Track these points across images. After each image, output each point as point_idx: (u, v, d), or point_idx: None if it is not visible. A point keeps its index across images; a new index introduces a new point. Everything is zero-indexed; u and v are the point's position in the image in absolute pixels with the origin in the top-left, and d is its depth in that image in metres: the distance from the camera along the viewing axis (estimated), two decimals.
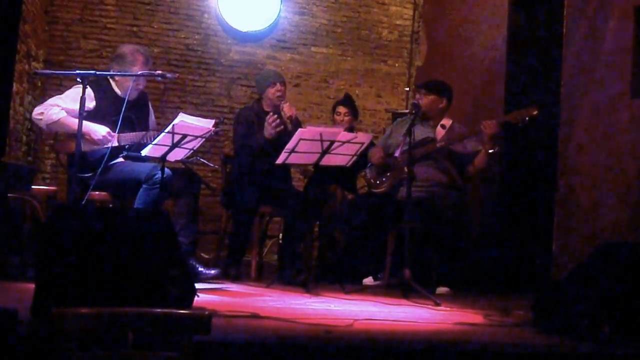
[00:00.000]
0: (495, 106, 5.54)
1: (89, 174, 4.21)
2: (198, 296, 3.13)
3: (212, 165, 5.11)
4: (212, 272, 4.38)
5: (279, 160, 4.31)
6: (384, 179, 4.92)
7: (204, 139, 4.21)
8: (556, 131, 4.91)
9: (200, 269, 4.34)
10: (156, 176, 4.17)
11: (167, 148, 4.05)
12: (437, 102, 4.92)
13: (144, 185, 4.23)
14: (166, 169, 4.14)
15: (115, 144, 4.28)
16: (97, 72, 4.34)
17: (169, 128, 3.98)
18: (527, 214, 5.26)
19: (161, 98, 6.66)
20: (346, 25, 7.28)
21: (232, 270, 4.79)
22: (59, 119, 4.28)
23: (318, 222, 5.57)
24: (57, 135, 4.60)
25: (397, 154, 4.55)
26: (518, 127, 4.65)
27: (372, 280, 4.86)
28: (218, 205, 5.57)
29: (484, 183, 5.53)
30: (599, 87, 4.61)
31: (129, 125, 4.36)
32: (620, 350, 2.77)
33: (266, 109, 5.08)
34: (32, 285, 2.71)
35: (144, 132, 4.38)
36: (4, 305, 2.40)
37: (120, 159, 4.43)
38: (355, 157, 4.45)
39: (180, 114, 4.09)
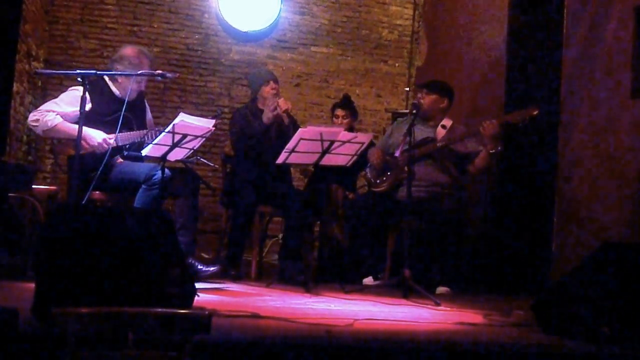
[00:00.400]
0: (495, 106, 5.54)
1: (89, 175, 4.21)
2: (198, 296, 3.13)
3: (212, 165, 5.11)
4: (212, 269, 4.38)
5: (279, 160, 4.31)
6: (384, 178, 4.92)
7: (204, 139, 4.21)
8: (556, 131, 4.91)
9: (199, 266, 4.34)
10: (155, 177, 4.17)
11: (167, 148, 4.05)
12: (439, 101, 4.93)
13: (143, 186, 4.23)
14: (166, 170, 4.14)
15: (114, 145, 4.27)
16: (98, 72, 4.33)
17: (169, 128, 3.98)
18: (527, 214, 5.26)
19: (161, 98, 6.66)
20: (346, 25, 7.29)
21: (232, 270, 4.79)
22: (55, 125, 4.26)
23: (318, 222, 5.58)
24: (55, 138, 4.59)
25: (397, 153, 4.56)
26: (518, 127, 4.65)
27: (372, 280, 4.85)
28: (218, 205, 5.57)
29: (484, 183, 5.53)
30: (599, 87, 4.61)
31: (126, 125, 4.36)
32: (620, 350, 2.77)
33: (261, 107, 5.09)
34: (32, 285, 2.71)
35: (142, 131, 4.37)
36: (4, 305, 2.40)
37: (120, 159, 4.42)
38: (355, 157, 4.45)
39: (180, 113, 4.09)
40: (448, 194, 4.80)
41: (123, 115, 4.24)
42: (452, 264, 4.68)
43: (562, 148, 4.86)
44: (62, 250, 2.74)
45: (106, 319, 1.78)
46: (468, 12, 6.30)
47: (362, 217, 4.90)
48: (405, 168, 4.53)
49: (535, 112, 4.46)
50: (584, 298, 3.01)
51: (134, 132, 4.37)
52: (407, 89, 7.31)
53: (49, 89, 6.31)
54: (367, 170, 5.08)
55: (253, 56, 7.01)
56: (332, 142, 4.25)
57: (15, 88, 5.49)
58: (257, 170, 4.97)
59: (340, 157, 4.40)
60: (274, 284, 4.47)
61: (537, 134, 5.19)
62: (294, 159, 4.32)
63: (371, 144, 4.92)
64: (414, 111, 4.55)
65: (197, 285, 3.16)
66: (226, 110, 6.61)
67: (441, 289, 4.57)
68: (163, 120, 5.96)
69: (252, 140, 4.93)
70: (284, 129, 4.93)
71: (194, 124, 4.07)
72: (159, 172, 4.12)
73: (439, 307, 3.85)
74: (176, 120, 4.00)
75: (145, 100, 4.77)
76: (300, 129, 4.33)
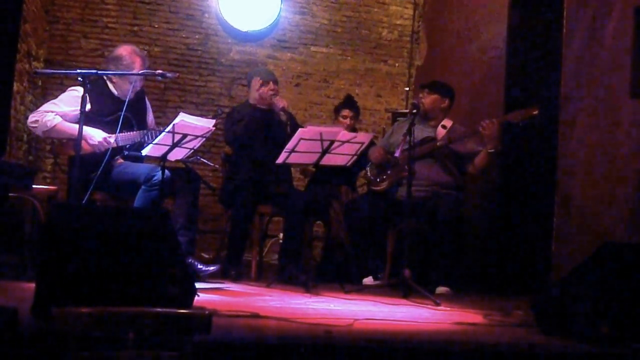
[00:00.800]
0: (495, 106, 5.54)
1: (89, 175, 4.21)
2: (198, 296, 3.13)
3: (212, 165, 5.11)
4: (211, 268, 4.38)
5: (279, 160, 4.32)
6: (384, 177, 4.93)
7: (204, 139, 4.21)
8: (556, 131, 4.91)
9: (199, 266, 4.34)
10: (155, 177, 4.18)
11: (167, 147, 4.05)
12: (440, 101, 4.94)
13: (142, 187, 4.23)
14: (166, 171, 4.14)
15: (114, 145, 4.28)
16: (98, 72, 4.34)
17: (169, 127, 3.98)
18: (527, 214, 5.26)
19: (161, 98, 6.66)
20: (346, 25, 7.29)
21: (232, 270, 4.79)
22: (54, 126, 4.26)
23: (322, 222, 5.58)
24: (55, 139, 4.59)
25: (397, 153, 4.56)
26: (518, 127, 4.65)
27: (372, 280, 4.86)
28: (218, 205, 5.57)
29: (484, 183, 5.53)
30: (599, 87, 4.61)
31: (127, 125, 4.36)
32: (620, 350, 2.77)
33: (251, 102, 5.11)
34: (32, 285, 2.71)
35: (142, 131, 4.37)
36: (4, 305, 2.40)
37: (120, 159, 4.42)
38: (355, 157, 4.45)
39: (180, 113, 4.09)
40: (448, 193, 4.80)
41: (124, 115, 4.24)
42: (452, 264, 4.68)
43: (562, 148, 4.86)
44: (62, 250, 2.74)
45: (106, 319, 1.78)
46: (468, 12, 6.30)
47: (362, 217, 4.90)
48: (405, 167, 4.54)
49: (535, 112, 4.46)
50: (584, 298, 3.01)
51: (134, 132, 4.37)
52: (407, 88, 7.31)
53: (49, 89, 6.31)
54: (368, 168, 5.08)
55: (253, 56, 7.01)
56: (332, 142, 4.25)
57: (15, 88, 5.48)
58: (257, 170, 4.98)
59: (340, 157, 4.40)
60: (274, 284, 4.47)
61: (537, 134, 5.19)
62: (294, 159, 4.32)
63: (371, 144, 4.92)
64: (414, 111, 4.55)
65: (197, 285, 3.16)
66: (226, 109, 6.61)
67: (441, 289, 4.57)
68: (163, 120, 5.96)
69: (238, 139, 4.95)
70: (281, 126, 4.93)
71: (194, 124, 4.08)
72: (159, 173, 4.12)
73: (439, 307, 3.85)
74: (176, 120, 4.00)
75: (147, 100, 4.77)
76: (300, 129, 4.33)
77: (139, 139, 4.35)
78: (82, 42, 6.59)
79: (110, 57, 4.54)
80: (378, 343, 2.68)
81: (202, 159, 4.71)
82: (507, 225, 5.37)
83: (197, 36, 6.87)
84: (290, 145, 4.22)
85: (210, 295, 3.83)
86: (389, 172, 4.92)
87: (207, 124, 4.18)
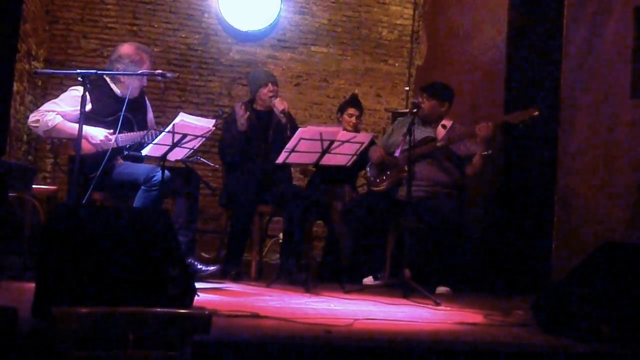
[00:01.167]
0: (495, 106, 5.53)
1: (89, 175, 4.20)
2: (198, 296, 3.14)
3: (212, 164, 5.11)
4: (211, 268, 4.38)
5: (279, 160, 4.32)
6: (384, 178, 4.93)
7: (204, 139, 4.21)
8: (556, 131, 4.91)
9: (199, 266, 4.34)
10: (155, 178, 4.17)
11: (167, 147, 4.05)
12: (438, 106, 4.94)
13: (142, 187, 4.23)
14: (166, 171, 4.14)
15: (114, 145, 4.27)
16: (98, 72, 4.34)
17: (169, 127, 3.98)
18: (527, 213, 5.26)
19: (161, 98, 6.66)
20: (346, 25, 7.29)
21: (232, 270, 4.79)
22: (55, 125, 4.26)
23: (323, 222, 5.58)
24: (55, 138, 4.59)
25: (397, 153, 4.56)
26: (518, 128, 4.65)
27: (372, 280, 4.86)
28: (218, 205, 5.57)
29: (484, 183, 5.53)
30: (599, 87, 4.61)
31: (127, 125, 4.36)
32: (620, 350, 2.77)
33: (259, 108, 5.09)
34: (32, 285, 2.71)
35: (143, 132, 4.37)
36: (4, 305, 2.40)
37: (120, 160, 4.42)
38: (355, 157, 4.45)
39: (180, 113, 4.09)
40: (448, 193, 4.80)
41: (124, 115, 4.24)
42: (452, 264, 4.68)
43: (562, 148, 4.86)
44: (62, 250, 2.75)
45: (106, 319, 1.78)
46: (468, 12, 6.30)
47: (362, 217, 4.90)
48: (405, 167, 4.53)
49: (535, 113, 4.46)
50: (584, 298, 3.01)
51: (135, 133, 4.37)
52: (407, 88, 7.31)
53: (49, 89, 6.31)
54: (367, 169, 5.08)
55: (253, 56, 7.01)
56: (331, 142, 4.25)
57: (15, 88, 5.48)
58: (256, 170, 4.98)
59: (340, 157, 4.40)
60: (274, 284, 4.47)
61: (537, 134, 5.19)
62: (294, 158, 4.32)
63: (371, 143, 4.92)
64: (414, 110, 4.55)
65: (197, 285, 3.17)
66: (226, 110, 6.60)
67: (441, 289, 4.57)
68: (163, 120, 5.96)
69: (233, 148, 4.95)
70: (281, 128, 4.93)
71: (194, 124, 4.08)
72: (159, 174, 4.12)
73: (439, 307, 3.85)
74: (176, 120, 4.00)
75: (147, 100, 4.77)
76: (300, 129, 4.33)
77: (139, 140, 4.35)
78: (82, 42, 6.59)
79: (115, 56, 4.50)
80: (378, 343, 2.68)
81: (202, 159, 4.71)
82: (507, 225, 5.37)
83: (197, 36, 6.87)
84: (290, 145, 4.23)
85: (210, 295, 3.83)
86: (388, 172, 4.92)
87: (207, 124, 4.18)
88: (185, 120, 4.04)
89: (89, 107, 4.26)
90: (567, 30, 4.92)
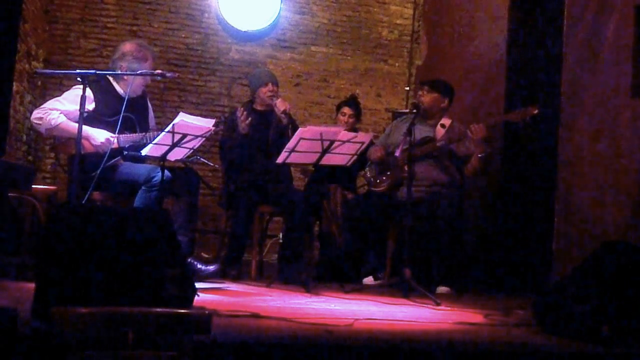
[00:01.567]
0: (496, 105, 5.54)
1: (89, 175, 4.20)
2: (198, 296, 3.13)
3: (212, 164, 5.11)
4: (211, 268, 4.38)
5: (279, 160, 4.31)
6: (384, 178, 4.92)
7: (204, 139, 4.21)
8: (556, 131, 4.91)
9: (199, 266, 4.34)
10: (155, 179, 4.17)
11: (167, 147, 4.05)
12: (439, 101, 4.93)
13: (142, 187, 4.23)
14: (166, 172, 4.13)
15: (116, 147, 4.27)
16: (98, 72, 4.33)
17: (169, 127, 3.98)
18: (527, 213, 5.26)
19: (161, 98, 6.66)
20: (346, 25, 7.29)
21: (232, 270, 4.79)
22: (58, 124, 4.25)
23: (318, 222, 5.57)
24: (57, 137, 4.59)
25: (397, 153, 4.55)
26: (518, 127, 4.65)
27: (372, 280, 4.86)
28: (218, 205, 5.57)
29: (484, 182, 5.53)
30: (599, 86, 4.61)
31: (129, 126, 4.35)
32: (620, 350, 2.77)
33: (259, 108, 5.09)
34: (32, 285, 2.71)
35: (144, 133, 4.37)
36: (4, 305, 2.40)
37: (120, 160, 4.42)
38: (355, 157, 4.45)
39: (180, 113, 4.09)
40: (448, 193, 4.80)
41: (126, 115, 4.24)
42: (452, 264, 4.68)
43: (562, 148, 4.86)
44: (62, 250, 2.74)
45: (106, 319, 1.78)
46: (468, 12, 6.30)
47: (362, 217, 4.89)
48: (405, 168, 4.53)
49: (535, 112, 4.45)
50: (584, 298, 3.01)
51: (136, 134, 4.37)
52: (407, 88, 7.31)
53: (48, 89, 6.31)
54: (367, 169, 5.08)
55: (253, 56, 7.01)
56: (332, 142, 4.25)
57: (15, 88, 5.49)
58: (257, 170, 4.98)
59: (340, 157, 4.40)
60: (274, 284, 4.46)
61: (537, 134, 5.19)
62: (294, 158, 4.32)
63: (371, 144, 4.92)
64: (415, 111, 4.55)
65: (197, 285, 3.16)
66: (226, 110, 6.61)
67: (441, 289, 4.57)
68: (163, 120, 5.96)
69: (233, 149, 4.94)
70: (282, 129, 4.93)
71: (193, 124, 4.08)
72: (159, 174, 4.11)
73: (439, 307, 3.85)
74: (176, 120, 4.00)
75: (148, 100, 4.76)
76: (300, 129, 4.33)
77: (139, 140, 4.34)
78: (82, 42, 6.59)
79: (118, 55, 4.49)
80: (378, 343, 2.68)
81: (202, 159, 4.71)
82: (507, 225, 5.37)
83: (196, 36, 6.87)
84: (290, 144, 4.22)
85: (210, 295, 3.83)
86: (388, 172, 4.92)
87: (206, 123, 4.17)
88: (185, 120, 4.04)
89: (92, 106, 4.26)
90: (567, 30, 4.92)
